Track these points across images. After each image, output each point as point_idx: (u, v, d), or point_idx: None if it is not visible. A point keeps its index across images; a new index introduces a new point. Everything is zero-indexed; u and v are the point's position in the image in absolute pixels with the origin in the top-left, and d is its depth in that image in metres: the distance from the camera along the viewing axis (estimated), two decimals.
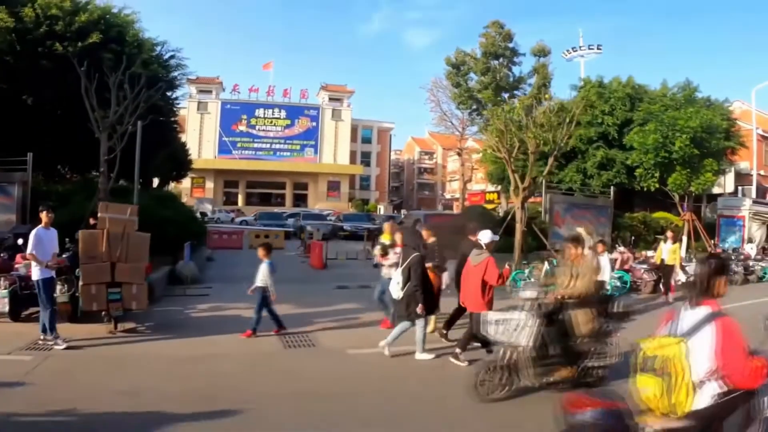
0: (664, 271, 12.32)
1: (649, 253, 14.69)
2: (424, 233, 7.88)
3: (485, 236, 6.76)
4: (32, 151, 15.02)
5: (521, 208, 13.35)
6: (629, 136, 19.55)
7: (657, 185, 18.36)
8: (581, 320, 5.28)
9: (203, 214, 20.90)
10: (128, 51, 21.82)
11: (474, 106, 40.20)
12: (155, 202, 15.75)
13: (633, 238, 17.52)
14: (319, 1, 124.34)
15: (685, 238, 18.33)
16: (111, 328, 7.76)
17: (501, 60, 40.19)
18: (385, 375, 6.09)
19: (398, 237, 7.81)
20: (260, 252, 7.92)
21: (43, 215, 7.17)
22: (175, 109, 27.07)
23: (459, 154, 46.60)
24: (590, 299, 5.45)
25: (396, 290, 6.52)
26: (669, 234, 12.60)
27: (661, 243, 12.71)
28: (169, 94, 27.64)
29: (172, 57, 25.23)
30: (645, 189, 19.14)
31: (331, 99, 60.66)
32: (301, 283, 8.66)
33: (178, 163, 43.10)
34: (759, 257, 17.17)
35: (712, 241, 18.06)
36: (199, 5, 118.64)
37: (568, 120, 13.73)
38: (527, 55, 40.96)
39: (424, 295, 6.41)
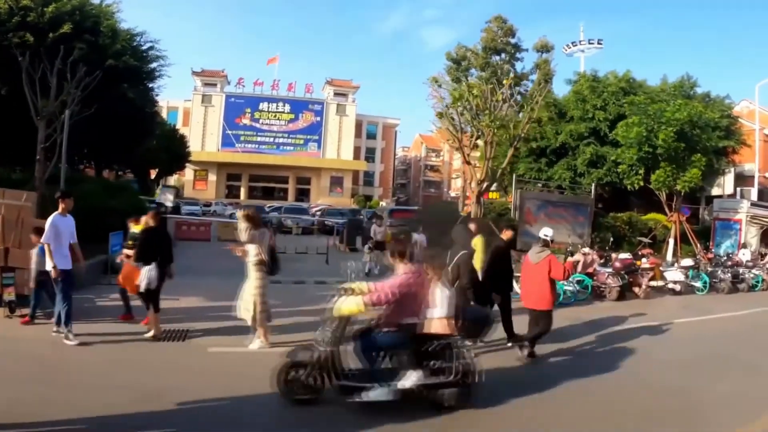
0: None
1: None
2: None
3: (546, 233, 6.91)
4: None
5: (476, 202, 12.39)
6: (615, 130, 18.34)
7: (641, 183, 17.11)
8: None
9: (160, 204, 20.26)
10: (101, 41, 21.55)
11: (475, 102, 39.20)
12: (103, 192, 15.35)
13: (612, 239, 16.35)
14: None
15: (671, 242, 17.07)
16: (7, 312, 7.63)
17: (502, 56, 39.09)
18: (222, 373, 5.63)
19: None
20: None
21: (61, 202, 6.63)
22: (154, 99, 26.72)
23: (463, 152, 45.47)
24: None
25: None
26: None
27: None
28: (150, 85, 27.32)
29: (150, 48, 24.90)
30: (630, 187, 17.90)
31: (336, 94, 60.06)
32: (231, 276, 8.06)
33: (175, 155, 43.16)
34: (751, 264, 15.83)
35: (699, 246, 16.68)
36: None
37: (529, 109, 12.69)
38: (530, 51, 39.87)
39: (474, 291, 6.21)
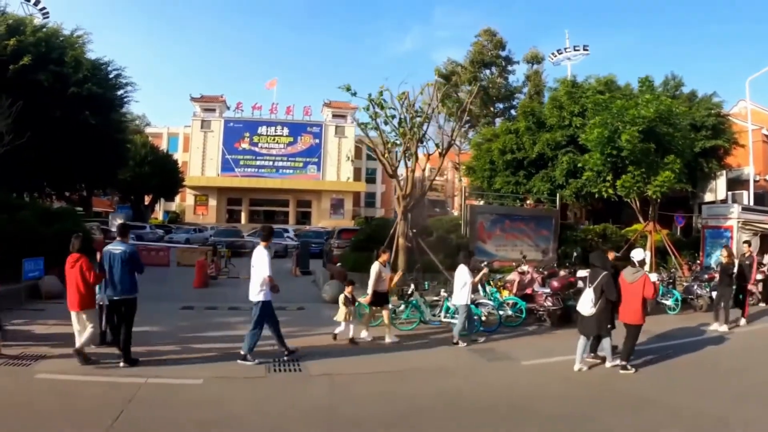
0: None
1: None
2: None
3: (638, 255, 7.60)
4: None
5: (403, 219, 11.08)
6: (583, 135, 16.78)
7: (611, 190, 15.46)
8: None
9: (107, 231, 19.47)
10: (65, 71, 21.43)
11: (466, 118, 37.87)
12: (38, 219, 14.58)
13: (577, 254, 14.72)
14: (330, 21, 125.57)
15: (648, 254, 15.29)
16: None
17: (492, 69, 38.00)
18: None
19: None
20: None
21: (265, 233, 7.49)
22: (124, 126, 26.47)
23: (457, 168, 44.10)
24: None
25: (588, 308, 7.02)
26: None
27: None
28: (123, 110, 27.05)
29: (117, 76, 24.85)
30: (597, 195, 16.27)
31: (334, 115, 59.69)
32: (144, 301, 7.31)
33: (169, 181, 43.07)
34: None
35: (681, 258, 14.81)
36: (203, 26, 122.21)
37: (460, 112, 11.47)
38: (521, 63, 38.74)
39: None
